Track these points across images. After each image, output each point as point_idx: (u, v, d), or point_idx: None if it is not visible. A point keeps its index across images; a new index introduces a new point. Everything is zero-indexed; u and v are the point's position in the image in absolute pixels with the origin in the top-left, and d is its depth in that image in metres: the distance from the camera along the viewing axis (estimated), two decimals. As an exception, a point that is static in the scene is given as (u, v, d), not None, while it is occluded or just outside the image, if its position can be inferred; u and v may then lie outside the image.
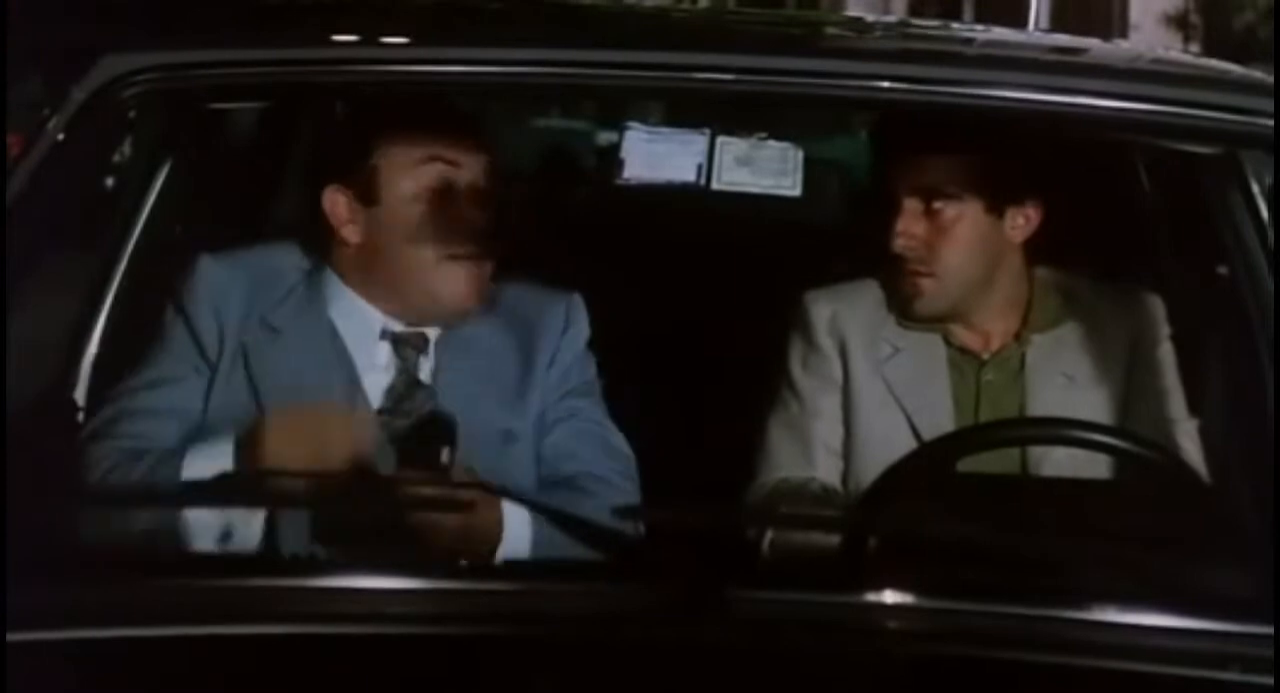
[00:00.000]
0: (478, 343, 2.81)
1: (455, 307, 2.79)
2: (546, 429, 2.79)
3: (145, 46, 2.59)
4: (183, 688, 1.97)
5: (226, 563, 2.38)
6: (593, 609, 2.10)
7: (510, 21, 3.03)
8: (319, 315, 2.79)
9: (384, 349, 2.78)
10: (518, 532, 2.57)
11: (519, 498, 2.40)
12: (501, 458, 2.68)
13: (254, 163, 3.58)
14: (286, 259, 2.86)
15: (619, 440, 2.82)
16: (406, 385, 2.76)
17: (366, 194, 2.78)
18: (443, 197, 2.77)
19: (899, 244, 2.95)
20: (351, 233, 2.79)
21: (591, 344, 2.88)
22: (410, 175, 2.77)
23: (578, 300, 2.89)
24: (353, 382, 2.74)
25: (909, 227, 2.95)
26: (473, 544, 2.53)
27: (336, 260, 2.81)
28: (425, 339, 2.80)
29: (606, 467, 2.76)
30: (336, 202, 2.80)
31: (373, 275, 2.79)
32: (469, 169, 2.78)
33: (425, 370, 2.79)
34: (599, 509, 2.54)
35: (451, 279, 2.77)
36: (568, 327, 2.85)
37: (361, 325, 2.79)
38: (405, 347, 2.79)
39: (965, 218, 2.95)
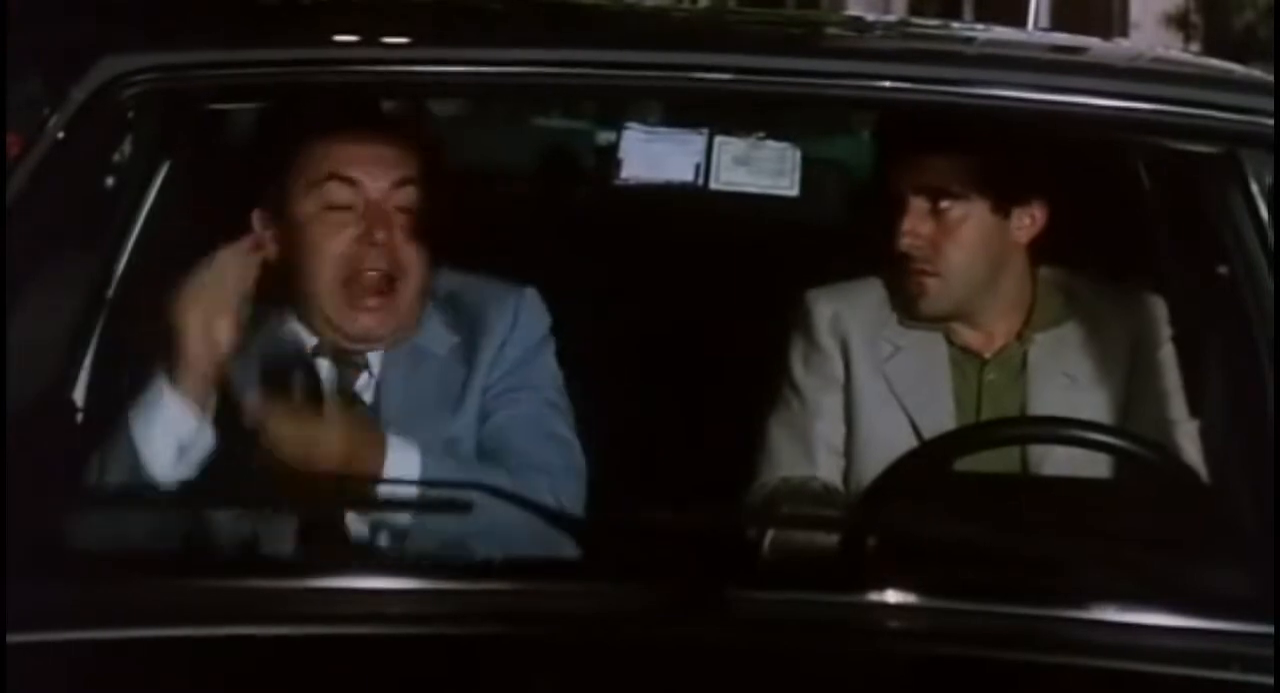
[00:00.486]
0: (425, 353, 2.76)
1: (358, 337, 2.72)
2: (484, 422, 2.74)
3: (144, 47, 2.59)
4: (182, 689, 1.97)
5: (225, 564, 2.38)
6: (591, 609, 2.10)
7: (509, 21, 3.02)
8: (270, 333, 2.74)
9: (323, 367, 2.73)
10: (402, 464, 2.55)
11: (507, 495, 2.38)
12: (445, 465, 2.63)
13: (253, 163, 3.57)
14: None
15: (562, 429, 2.76)
16: (341, 405, 2.68)
17: (279, 210, 2.73)
18: (339, 218, 2.70)
19: (905, 243, 2.95)
20: (270, 250, 2.73)
21: (586, 343, 2.85)
22: (311, 194, 2.71)
23: (530, 295, 2.83)
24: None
25: (915, 226, 2.94)
26: (352, 470, 2.52)
27: (270, 277, 2.74)
28: (365, 357, 2.75)
29: (542, 455, 2.70)
30: (255, 216, 2.75)
31: (293, 296, 2.74)
32: (373, 189, 2.70)
33: (368, 387, 2.75)
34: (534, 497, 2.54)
35: (350, 307, 2.70)
36: (516, 323, 2.79)
37: (299, 345, 2.74)
38: (344, 365, 2.75)
39: (971, 218, 2.95)
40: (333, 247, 2.70)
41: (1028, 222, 2.99)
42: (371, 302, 2.71)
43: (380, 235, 2.69)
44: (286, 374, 2.61)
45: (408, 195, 2.72)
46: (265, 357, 2.69)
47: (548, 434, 2.74)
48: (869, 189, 3.22)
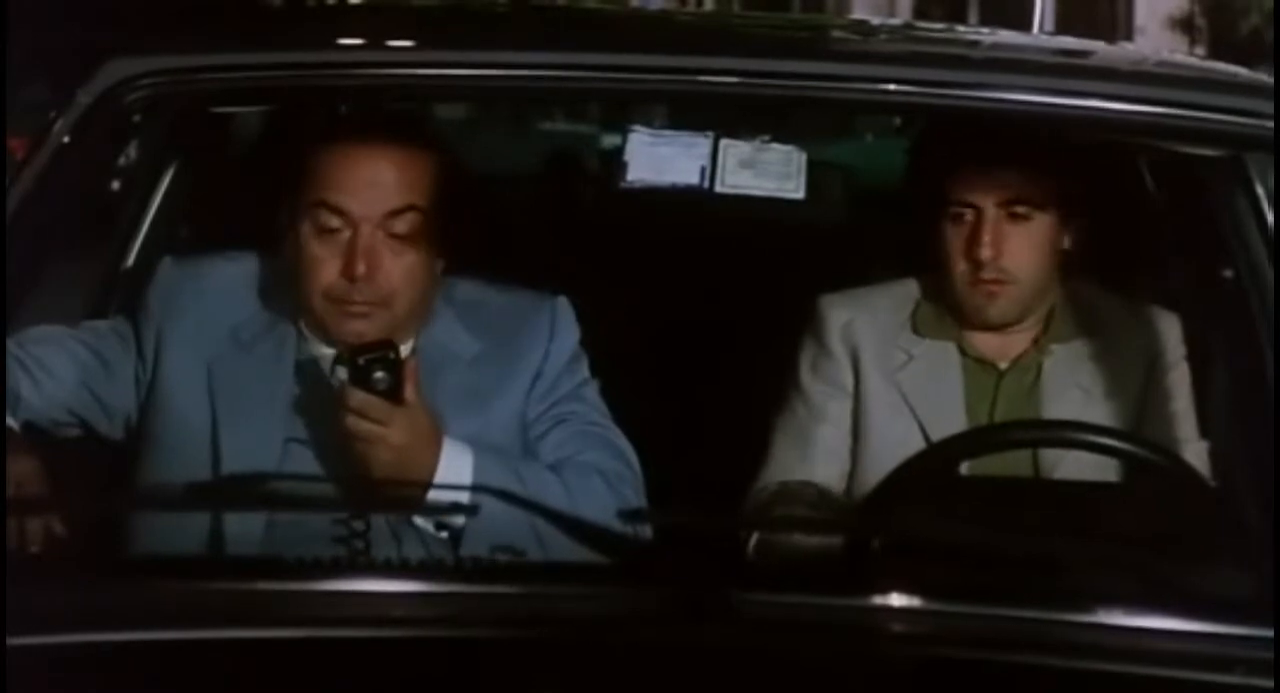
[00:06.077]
0: (448, 355, 2.71)
1: (351, 339, 2.62)
2: (541, 436, 2.71)
3: (150, 50, 2.60)
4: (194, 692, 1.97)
5: (231, 566, 2.38)
6: (596, 612, 2.10)
7: (514, 25, 3.03)
8: (287, 331, 2.71)
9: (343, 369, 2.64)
10: (455, 469, 2.53)
11: (519, 500, 2.38)
12: (496, 464, 2.60)
13: (259, 167, 3.58)
14: (265, 268, 2.77)
15: (619, 438, 2.74)
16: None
17: (286, 219, 2.68)
18: (327, 246, 2.62)
19: (985, 254, 2.93)
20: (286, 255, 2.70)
21: (593, 347, 2.85)
22: (305, 214, 2.64)
23: (563, 305, 2.79)
24: (312, 401, 2.65)
25: (993, 235, 2.93)
26: (404, 473, 2.50)
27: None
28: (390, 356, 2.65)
29: (610, 464, 2.68)
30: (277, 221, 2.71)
31: (296, 299, 2.70)
32: (364, 219, 2.61)
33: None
34: (603, 499, 2.55)
35: (340, 316, 2.63)
36: (553, 335, 2.75)
37: (320, 345, 2.70)
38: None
39: (1043, 226, 2.95)
40: (320, 274, 2.63)
41: (1074, 231, 2.99)
42: (358, 309, 2.64)
43: (361, 269, 2.60)
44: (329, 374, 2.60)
45: (405, 223, 2.63)
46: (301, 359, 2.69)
47: (612, 446, 2.72)
48: (904, 195, 3.20)
